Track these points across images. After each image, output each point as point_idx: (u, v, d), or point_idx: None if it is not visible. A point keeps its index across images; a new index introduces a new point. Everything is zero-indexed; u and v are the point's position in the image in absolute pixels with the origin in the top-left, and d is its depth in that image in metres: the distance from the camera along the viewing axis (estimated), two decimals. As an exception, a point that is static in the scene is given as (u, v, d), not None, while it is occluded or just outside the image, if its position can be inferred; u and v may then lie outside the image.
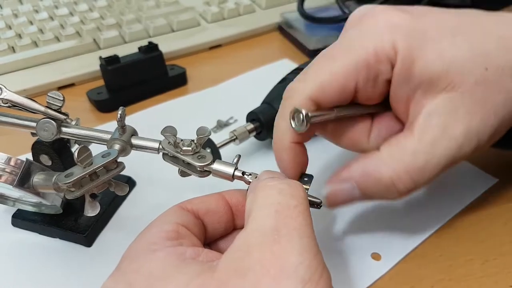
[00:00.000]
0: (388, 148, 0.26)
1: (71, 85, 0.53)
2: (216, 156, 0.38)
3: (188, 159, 0.29)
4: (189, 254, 0.22)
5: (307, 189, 0.28)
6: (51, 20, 0.60)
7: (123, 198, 0.38)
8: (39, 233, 0.35)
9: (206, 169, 0.29)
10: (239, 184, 0.29)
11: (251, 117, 0.40)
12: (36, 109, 0.30)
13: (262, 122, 0.39)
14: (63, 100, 0.31)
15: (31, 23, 0.60)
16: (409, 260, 0.32)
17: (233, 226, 0.28)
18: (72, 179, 0.27)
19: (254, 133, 0.40)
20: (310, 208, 0.24)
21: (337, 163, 0.40)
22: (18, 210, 0.36)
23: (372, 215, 0.35)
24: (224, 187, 0.30)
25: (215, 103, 0.49)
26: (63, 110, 0.32)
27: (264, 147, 0.42)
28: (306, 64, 0.45)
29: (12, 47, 0.55)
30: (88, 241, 0.34)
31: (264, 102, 0.41)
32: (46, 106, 0.30)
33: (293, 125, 0.27)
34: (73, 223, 0.34)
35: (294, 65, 0.50)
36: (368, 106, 0.29)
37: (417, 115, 0.26)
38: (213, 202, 0.27)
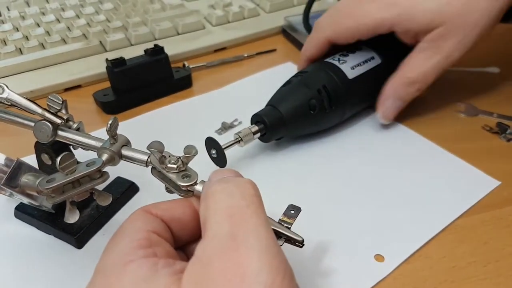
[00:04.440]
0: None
1: (78, 86, 0.53)
2: (222, 157, 0.38)
3: (172, 177, 0.27)
4: (161, 265, 0.22)
5: (291, 223, 0.26)
6: (58, 22, 0.61)
7: (123, 203, 0.37)
8: (37, 228, 0.35)
9: (190, 189, 0.27)
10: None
11: (256, 119, 0.41)
12: (34, 110, 0.30)
13: (266, 124, 0.40)
14: (62, 104, 0.31)
15: (38, 25, 0.60)
16: (412, 262, 0.32)
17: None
18: (52, 185, 0.27)
19: (259, 135, 0.40)
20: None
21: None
22: (21, 202, 0.36)
23: (375, 217, 0.36)
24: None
25: (220, 105, 0.49)
26: (71, 112, 0.32)
27: (268, 149, 0.43)
28: (308, 67, 0.45)
29: (20, 49, 0.56)
30: (78, 243, 0.34)
31: (268, 104, 0.42)
32: (45, 109, 0.31)
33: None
34: (67, 223, 0.34)
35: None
36: None
37: None
38: (178, 209, 0.26)
